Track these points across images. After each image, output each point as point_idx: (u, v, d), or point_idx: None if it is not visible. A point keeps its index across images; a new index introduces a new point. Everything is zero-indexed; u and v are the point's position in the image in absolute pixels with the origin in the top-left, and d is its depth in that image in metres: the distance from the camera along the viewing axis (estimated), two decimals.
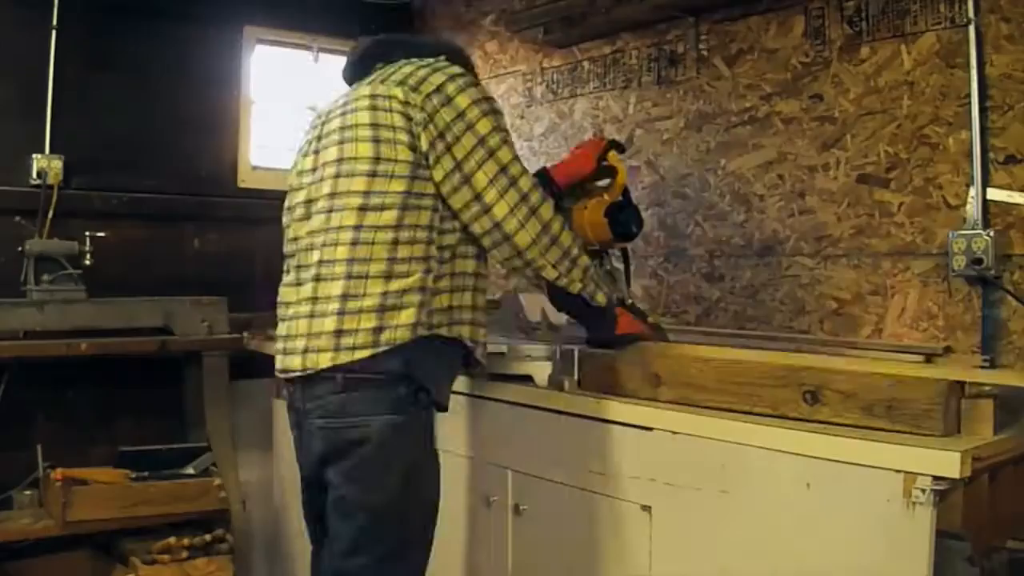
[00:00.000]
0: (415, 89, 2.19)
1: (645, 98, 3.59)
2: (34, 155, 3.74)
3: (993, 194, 2.58)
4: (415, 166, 2.17)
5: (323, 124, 2.36)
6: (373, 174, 2.17)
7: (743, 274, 3.22)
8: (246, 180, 4.29)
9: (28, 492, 3.55)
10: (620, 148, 2.82)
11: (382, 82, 2.25)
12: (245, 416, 3.87)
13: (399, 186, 2.16)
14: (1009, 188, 2.55)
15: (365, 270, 2.14)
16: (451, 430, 2.84)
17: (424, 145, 2.17)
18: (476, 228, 2.24)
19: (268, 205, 4.25)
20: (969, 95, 2.61)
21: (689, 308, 3.41)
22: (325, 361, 2.15)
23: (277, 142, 4.41)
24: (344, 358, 2.12)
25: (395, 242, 2.15)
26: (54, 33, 3.75)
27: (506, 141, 2.24)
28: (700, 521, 2.19)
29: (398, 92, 2.20)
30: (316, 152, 2.34)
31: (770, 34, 3.14)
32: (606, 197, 2.89)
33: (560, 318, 3.05)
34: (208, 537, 3.56)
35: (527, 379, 2.64)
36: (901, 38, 2.79)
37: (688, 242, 3.41)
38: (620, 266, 2.98)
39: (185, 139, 4.14)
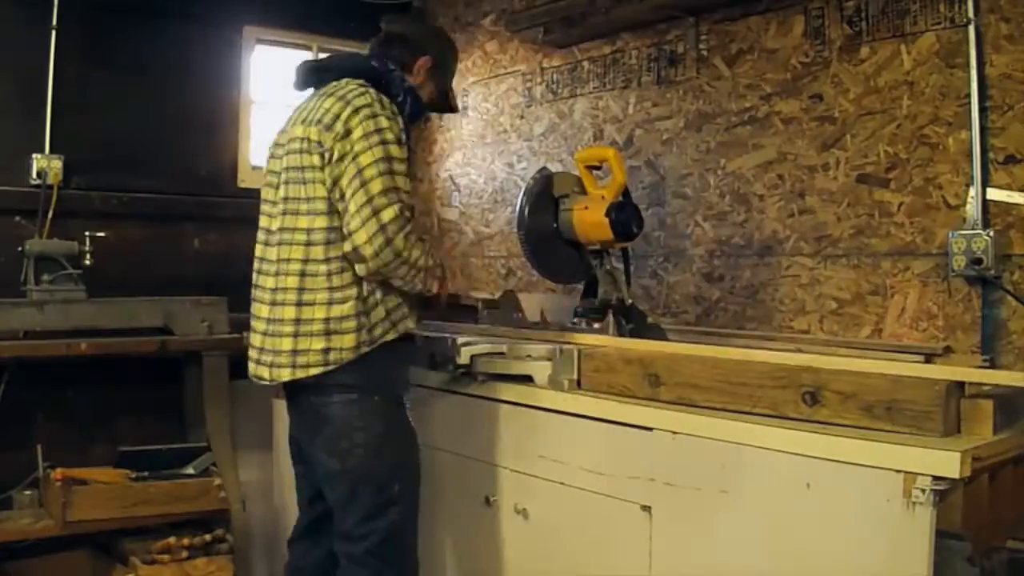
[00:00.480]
0: (328, 128, 2.45)
1: (645, 98, 3.59)
2: (34, 155, 3.74)
3: (993, 194, 2.58)
4: (330, 202, 2.46)
5: (276, 159, 2.63)
6: (308, 212, 2.48)
7: (743, 274, 3.22)
8: (246, 180, 4.29)
9: (28, 492, 3.55)
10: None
11: (303, 122, 2.52)
12: (245, 416, 3.86)
13: (323, 222, 2.47)
14: (1009, 188, 2.55)
15: (312, 298, 2.46)
16: (451, 430, 2.85)
17: (330, 182, 2.44)
18: (346, 246, 2.45)
19: None
20: (969, 95, 2.61)
21: (689, 308, 3.41)
22: (286, 375, 2.49)
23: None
24: (300, 374, 2.47)
25: (329, 273, 2.46)
26: (54, 33, 3.75)
27: (381, 173, 2.42)
28: (700, 521, 2.19)
29: (313, 133, 2.47)
30: (275, 186, 2.61)
31: (770, 34, 3.14)
32: (606, 197, 2.90)
33: (561, 318, 3.06)
34: (208, 537, 3.56)
35: (527, 379, 2.64)
36: (901, 38, 2.79)
37: (688, 242, 3.41)
38: (620, 266, 2.99)
39: (185, 139, 4.14)
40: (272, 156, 2.65)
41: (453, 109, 2.98)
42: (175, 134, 4.11)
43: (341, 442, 2.50)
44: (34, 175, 3.74)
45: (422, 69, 2.75)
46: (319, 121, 2.47)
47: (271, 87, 4.45)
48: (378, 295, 2.50)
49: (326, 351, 2.44)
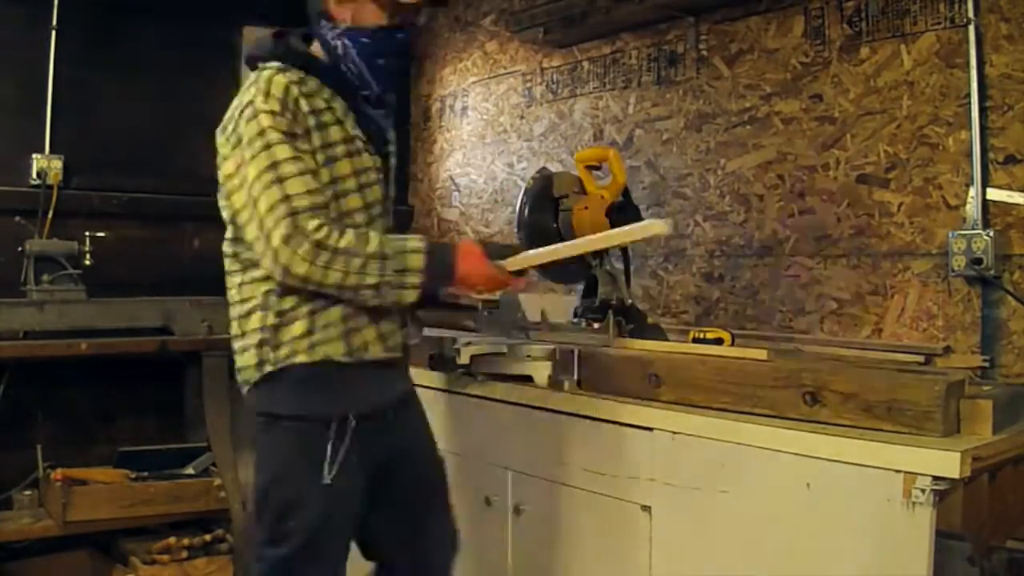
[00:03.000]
0: (223, 130, 2.22)
1: (645, 98, 3.59)
2: (34, 155, 3.75)
3: (993, 194, 2.58)
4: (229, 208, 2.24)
5: None
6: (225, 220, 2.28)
7: (743, 274, 3.22)
8: None
9: (28, 492, 3.55)
10: None
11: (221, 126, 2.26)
12: (245, 416, 3.85)
13: (229, 232, 2.26)
14: (1009, 188, 2.55)
15: (233, 312, 2.27)
16: (452, 430, 2.85)
17: (226, 188, 2.23)
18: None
19: None
20: (969, 95, 2.61)
21: (689, 308, 3.41)
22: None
23: None
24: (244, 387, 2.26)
25: (240, 285, 2.24)
26: (54, 33, 3.75)
27: (266, 186, 2.07)
28: (700, 521, 2.20)
29: (219, 136, 2.24)
30: None
31: (770, 34, 3.14)
32: (606, 197, 2.90)
33: (560, 317, 3.06)
34: (208, 537, 3.57)
35: (527, 379, 2.64)
36: (901, 38, 2.79)
37: (688, 242, 3.41)
38: (620, 266, 2.99)
39: (185, 139, 4.13)
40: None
41: (434, 2, 2.50)
42: (175, 134, 4.11)
43: (256, 460, 2.25)
44: (34, 175, 3.74)
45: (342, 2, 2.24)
46: (224, 125, 2.24)
47: None
48: (303, 309, 2.15)
49: (240, 369, 2.24)
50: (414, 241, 2.13)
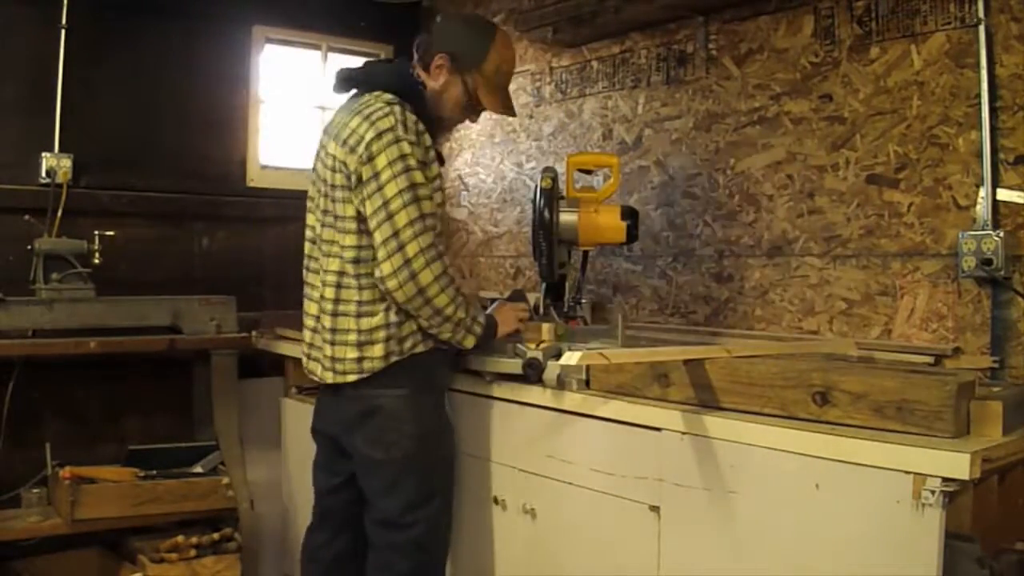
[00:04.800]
0: (352, 150, 2.51)
1: (654, 98, 3.58)
2: (43, 154, 3.75)
3: (1003, 195, 2.57)
4: (359, 221, 2.54)
5: (317, 161, 2.72)
6: (342, 230, 2.58)
7: (752, 274, 3.21)
8: (255, 179, 4.29)
9: (36, 490, 3.55)
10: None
11: (335, 139, 2.58)
12: (253, 415, 3.87)
13: (352, 240, 2.56)
14: (1019, 189, 2.54)
15: (346, 310, 2.58)
16: (460, 430, 2.85)
17: (356, 203, 2.53)
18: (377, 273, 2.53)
19: (277, 204, 4.27)
20: (979, 95, 2.60)
21: (698, 308, 3.40)
22: (329, 378, 2.64)
23: (287, 141, 4.42)
24: (339, 379, 2.61)
25: (360, 287, 2.57)
26: (63, 32, 3.75)
27: (406, 204, 2.47)
28: (709, 522, 2.19)
29: (341, 154, 2.55)
30: (319, 192, 2.69)
31: (779, 34, 3.14)
32: (605, 199, 2.95)
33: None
34: (216, 536, 3.57)
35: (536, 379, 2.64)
36: (911, 38, 2.78)
37: (697, 242, 3.40)
38: (578, 265, 3.06)
39: (194, 138, 4.14)
40: (316, 158, 2.72)
41: (502, 110, 2.82)
42: (184, 133, 4.11)
43: (388, 434, 2.58)
44: (43, 174, 3.74)
45: (439, 70, 2.69)
46: (344, 142, 2.53)
47: (280, 86, 4.45)
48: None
49: (359, 360, 2.56)
50: None
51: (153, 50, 4.00)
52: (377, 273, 2.50)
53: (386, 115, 2.51)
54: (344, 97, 2.76)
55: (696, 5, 3.32)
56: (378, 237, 2.47)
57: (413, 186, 2.48)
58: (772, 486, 2.07)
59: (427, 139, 2.58)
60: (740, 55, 3.27)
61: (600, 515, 2.47)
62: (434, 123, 2.70)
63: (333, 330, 2.59)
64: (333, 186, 2.57)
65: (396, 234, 2.45)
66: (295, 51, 4.51)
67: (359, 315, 2.56)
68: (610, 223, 2.97)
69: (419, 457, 2.62)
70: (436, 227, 2.54)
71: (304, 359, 2.79)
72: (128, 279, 3.82)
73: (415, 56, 2.74)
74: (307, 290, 2.75)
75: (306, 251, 2.76)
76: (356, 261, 2.55)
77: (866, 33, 2.90)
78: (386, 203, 2.46)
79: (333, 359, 2.60)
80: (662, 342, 2.99)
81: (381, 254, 2.47)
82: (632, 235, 3.02)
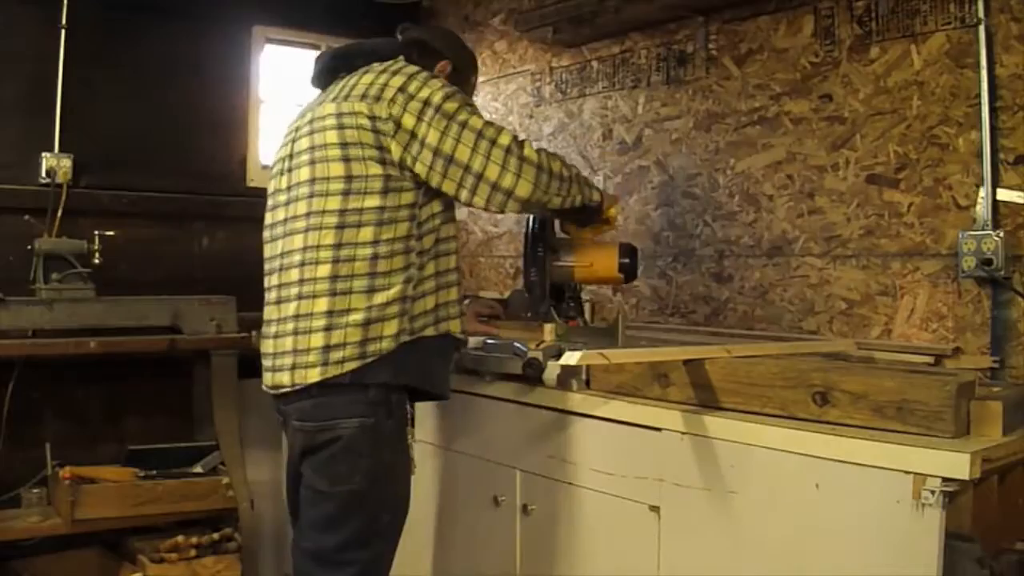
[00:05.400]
0: (377, 99, 2.28)
1: (654, 98, 3.58)
2: (43, 153, 3.75)
3: (1003, 195, 2.57)
4: (386, 179, 2.27)
5: (292, 143, 2.44)
6: (347, 192, 2.27)
7: (752, 274, 3.21)
8: (255, 179, 4.29)
9: (36, 490, 3.56)
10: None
11: (345, 98, 2.32)
12: (253, 415, 3.87)
13: (373, 201, 2.27)
14: (1019, 189, 2.54)
15: (348, 286, 2.26)
16: (459, 430, 2.85)
17: (396, 154, 2.27)
18: (478, 200, 2.34)
19: None
20: (979, 95, 2.60)
21: (698, 308, 3.40)
22: (314, 376, 2.27)
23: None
24: (333, 371, 2.25)
25: (375, 257, 2.26)
26: (63, 32, 3.75)
27: (474, 112, 2.33)
28: (709, 522, 2.19)
29: (362, 107, 2.28)
30: (289, 171, 2.42)
31: (779, 34, 3.14)
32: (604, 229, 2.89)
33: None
34: (216, 536, 3.57)
35: (537, 379, 2.64)
36: (911, 38, 2.78)
37: (697, 242, 3.40)
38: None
39: (194, 138, 4.15)
40: (296, 136, 2.43)
41: None
42: (184, 133, 4.11)
43: (339, 465, 2.29)
44: (43, 174, 3.74)
45: (441, 75, 2.50)
46: (363, 95, 2.29)
47: (281, 86, 4.45)
48: (429, 285, 2.35)
49: (363, 342, 2.25)
50: None
51: (153, 50, 4.01)
52: (487, 189, 2.32)
53: (405, 65, 2.37)
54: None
55: (696, 5, 3.32)
56: (464, 151, 2.27)
57: (470, 103, 2.36)
58: (772, 486, 2.07)
59: None
60: (740, 55, 3.27)
61: (600, 515, 2.47)
62: None
63: (330, 312, 2.25)
64: (344, 144, 2.27)
65: (481, 133, 2.29)
66: (295, 51, 4.52)
67: (371, 290, 2.25)
68: (607, 269, 2.88)
69: (370, 495, 2.31)
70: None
71: (267, 375, 2.41)
72: (128, 279, 3.82)
73: (405, 51, 2.53)
74: (273, 296, 2.41)
75: (268, 253, 2.46)
76: (379, 224, 2.26)
77: (866, 33, 2.90)
78: (452, 117, 2.28)
79: (327, 348, 2.24)
80: (662, 342, 2.99)
81: (478, 163, 2.29)
82: (631, 274, 2.92)
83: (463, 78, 2.64)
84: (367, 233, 2.26)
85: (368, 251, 2.26)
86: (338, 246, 2.26)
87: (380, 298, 2.26)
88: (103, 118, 3.90)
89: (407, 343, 2.30)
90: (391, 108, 2.26)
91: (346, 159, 2.28)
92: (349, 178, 2.27)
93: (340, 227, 2.27)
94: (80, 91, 3.82)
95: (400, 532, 2.42)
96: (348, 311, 2.25)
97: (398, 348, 2.28)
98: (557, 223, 2.92)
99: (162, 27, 4.02)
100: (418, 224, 2.32)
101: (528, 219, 2.88)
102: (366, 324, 2.24)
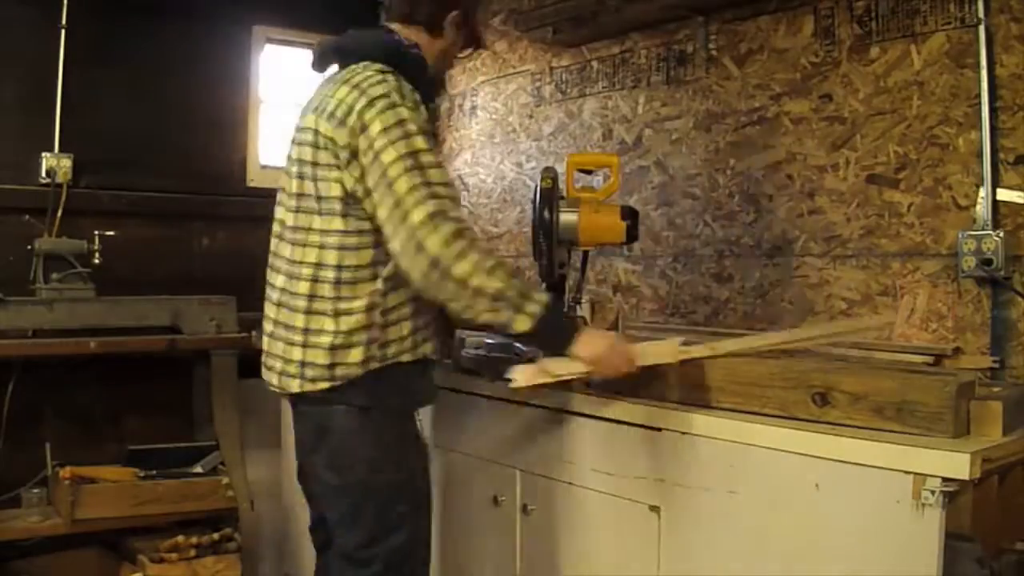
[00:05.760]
0: (341, 122, 2.20)
1: (654, 98, 3.58)
2: (43, 154, 3.76)
3: (1003, 195, 2.57)
4: (346, 204, 2.22)
5: (292, 144, 2.41)
6: (319, 212, 2.26)
7: (752, 274, 3.21)
8: (255, 179, 4.30)
9: (36, 490, 3.56)
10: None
11: (321, 112, 2.26)
12: (253, 415, 3.87)
13: (338, 225, 2.23)
14: (1019, 189, 2.54)
15: (321, 307, 2.24)
16: (459, 430, 2.85)
17: (350, 182, 2.20)
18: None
19: None
20: (979, 95, 2.60)
21: (698, 308, 3.40)
22: (295, 387, 2.28)
23: (287, 141, 4.41)
24: (308, 387, 2.26)
25: (338, 282, 2.23)
26: (63, 32, 3.76)
27: (408, 170, 2.13)
28: (709, 522, 2.19)
29: (327, 129, 2.23)
30: (288, 176, 2.40)
31: (779, 34, 3.14)
32: (605, 199, 2.90)
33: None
34: (216, 536, 3.57)
35: None
36: (911, 38, 2.78)
37: (697, 242, 3.40)
38: (578, 266, 3.00)
39: (194, 138, 4.15)
40: (292, 142, 2.41)
41: (481, 46, 2.70)
42: (184, 133, 4.12)
43: (342, 456, 2.30)
44: (43, 174, 3.75)
45: (453, 28, 2.46)
46: (331, 115, 2.22)
47: (281, 86, 4.45)
48: (404, 311, 2.28)
49: (331, 366, 2.23)
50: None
51: (153, 50, 4.01)
52: (393, 250, 2.16)
53: (379, 82, 2.23)
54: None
55: (696, 5, 3.32)
56: (382, 213, 2.14)
57: (414, 152, 2.14)
58: (772, 486, 2.07)
59: (424, 112, 2.27)
60: (740, 55, 3.27)
61: (600, 515, 2.46)
62: (433, 88, 2.51)
63: (306, 330, 2.24)
64: (315, 164, 2.25)
65: (398, 204, 2.10)
66: (296, 51, 4.51)
67: (336, 314, 2.22)
68: (610, 223, 2.91)
69: (375, 483, 2.30)
70: (452, 197, 2.17)
71: (263, 368, 2.43)
72: (128, 279, 3.82)
73: (402, 15, 2.48)
74: (267, 290, 2.42)
75: (271, 247, 2.42)
76: (341, 248, 2.22)
77: (866, 33, 2.89)
78: (384, 172, 2.13)
79: (303, 364, 2.25)
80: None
81: (387, 229, 2.13)
82: (632, 235, 2.97)
83: (470, 15, 2.53)
84: (332, 256, 2.24)
85: (331, 275, 2.24)
86: (317, 265, 2.25)
87: (344, 324, 2.22)
88: (103, 118, 3.91)
89: (377, 369, 2.26)
90: (351, 136, 2.19)
91: (315, 179, 2.26)
92: (319, 199, 2.25)
93: (320, 247, 2.25)
94: (80, 91, 3.82)
95: (423, 525, 2.42)
96: (320, 332, 2.24)
97: (367, 374, 2.25)
98: (564, 186, 2.89)
99: (162, 27, 4.02)
100: (384, 251, 2.22)
101: (537, 182, 2.90)
102: (332, 348, 2.23)
